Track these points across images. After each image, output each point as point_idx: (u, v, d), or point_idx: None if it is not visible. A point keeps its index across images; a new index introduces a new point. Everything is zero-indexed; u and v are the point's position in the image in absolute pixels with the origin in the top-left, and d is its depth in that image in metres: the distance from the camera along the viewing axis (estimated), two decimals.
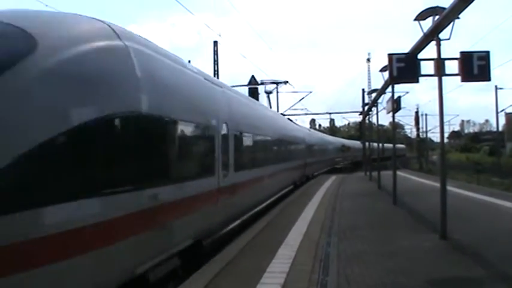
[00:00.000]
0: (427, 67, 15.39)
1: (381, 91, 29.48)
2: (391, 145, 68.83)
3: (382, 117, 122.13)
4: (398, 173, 28.59)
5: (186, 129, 11.43)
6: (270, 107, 45.51)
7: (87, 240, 7.10)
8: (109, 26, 8.80)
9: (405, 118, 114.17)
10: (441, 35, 14.02)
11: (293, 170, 33.51)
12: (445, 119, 15.14)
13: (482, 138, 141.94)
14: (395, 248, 13.07)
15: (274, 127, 27.43)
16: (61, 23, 8.11)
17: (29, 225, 6.15)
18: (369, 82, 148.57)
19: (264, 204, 22.17)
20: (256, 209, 20.15)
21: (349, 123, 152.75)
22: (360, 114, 62.08)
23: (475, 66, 14.36)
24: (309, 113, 74.68)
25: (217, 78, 40.72)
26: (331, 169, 65.78)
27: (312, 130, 68.87)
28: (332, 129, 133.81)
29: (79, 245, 6.94)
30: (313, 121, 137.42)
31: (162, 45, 11.60)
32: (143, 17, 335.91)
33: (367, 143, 55.84)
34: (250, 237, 15.34)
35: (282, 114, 45.34)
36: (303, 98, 61.52)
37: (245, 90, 43.91)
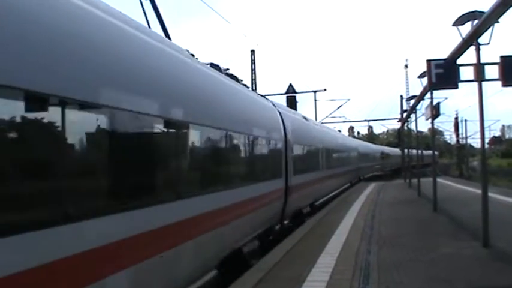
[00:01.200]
0: (467, 72, 15.26)
1: (420, 97, 29.17)
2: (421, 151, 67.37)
3: (421, 124, 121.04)
4: (438, 180, 28.32)
5: None
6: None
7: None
8: None
9: (444, 124, 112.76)
10: (480, 40, 13.84)
11: (237, 216, 13.08)
12: (486, 124, 14.95)
13: None
14: (436, 255, 12.92)
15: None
16: None
17: None
18: (407, 88, 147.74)
19: None
20: None
21: (387, 131, 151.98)
22: (398, 121, 61.64)
23: None
24: (347, 120, 74.64)
25: (255, 87, 40.81)
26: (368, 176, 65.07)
27: (313, 121, 37.69)
28: (370, 137, 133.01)
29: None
30: (351, 128, 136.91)
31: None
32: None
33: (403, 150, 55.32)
34: (290, 246, 15.32)
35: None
36: (340, 106, 61.36)
37: (283, 99, 43.84)
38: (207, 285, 10.42)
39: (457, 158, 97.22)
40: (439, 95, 27.34)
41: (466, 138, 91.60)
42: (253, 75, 45.93)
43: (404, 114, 48.29)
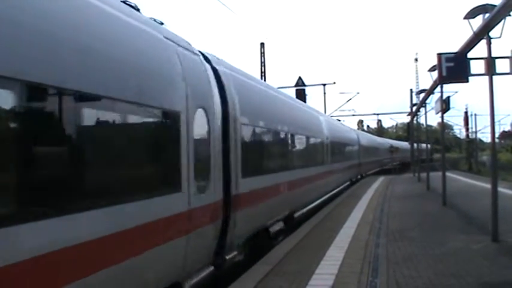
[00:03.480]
0: (477, 66, 15.19)
1: (430, 91, 29.11)
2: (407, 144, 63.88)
3: (431, 118, 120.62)
4: (447, 174, 28.25)
5: None
6: None
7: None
8: None
9: (454, 118, 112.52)
10: (491, 33, 13.76)
11: None
12: (496, 118, 14.88)
13: None
14: (445, 250, 12.91)
15: None
16: None
17: None
18: (417, 82, 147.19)
19: None
20: None
21: (396, 124, 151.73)
22: (408, 115, 61.48)
23: None
24: (356, 114, 74.53)
25: (265, 80, 40.80)
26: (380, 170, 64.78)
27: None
28: (380, 130, 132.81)
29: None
30: (361, 122, 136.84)
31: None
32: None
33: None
34: (299, 239, 15.34)
35: None
36: (350, 99, 61.23)
37: (292, 92, 43.64)
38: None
39: (466, 152, 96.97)
40: (449, 88, 27.31)
41: (476, 132, 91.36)
42: (263, 67, 45.88)
43: (414, 108, 48.16)
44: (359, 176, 47.18)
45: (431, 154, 55.38)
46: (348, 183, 38.95)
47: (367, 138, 60.48)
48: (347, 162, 36.02)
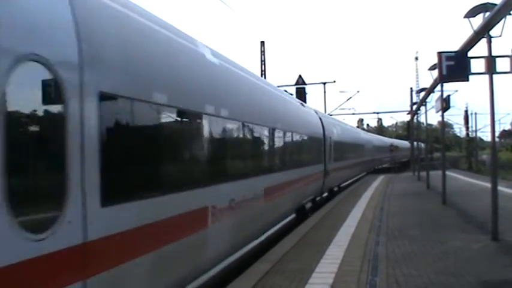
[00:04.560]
0: (478, 65, 15.16)
1: (430, 90, 29.08)
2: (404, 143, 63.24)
3: (431, 116, 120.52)
4: (447, 173, 28.22)
5: None
6: None
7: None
8: None
9: (454, 117, 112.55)
10: (492, 32, 13.74)
11: None
12: (496, 117, 14.86)
13: None
14: (445, 248, 12.89)
15: None
16: None
17: None
18: (417, 81, 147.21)
19: None
20: None
21: (396, 123, 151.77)
22: (408, 114, 61.47)
23: None
24: (356, 112, 74.59)
25: (265, 78, 40.75)
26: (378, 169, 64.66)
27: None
28: (380, 129, 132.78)
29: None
30: (361, 121, 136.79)
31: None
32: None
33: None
34: (298, 237, 15.33)
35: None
36: (350, 98, 61.30)
37: (292, 90, 43.68)
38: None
39: (466, 151, 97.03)
40: (449, 87, 27.26)
41: (476, 131, 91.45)
42: (263, 66, 45.90)
43: (414, 107, 48.12)
44: (325, 194, 28.60)
45: (431, 153, 55.25)
46: (292, 215, 20.42)
47: (344, 130, 39.86)
48: (287, 174, 17.75)
